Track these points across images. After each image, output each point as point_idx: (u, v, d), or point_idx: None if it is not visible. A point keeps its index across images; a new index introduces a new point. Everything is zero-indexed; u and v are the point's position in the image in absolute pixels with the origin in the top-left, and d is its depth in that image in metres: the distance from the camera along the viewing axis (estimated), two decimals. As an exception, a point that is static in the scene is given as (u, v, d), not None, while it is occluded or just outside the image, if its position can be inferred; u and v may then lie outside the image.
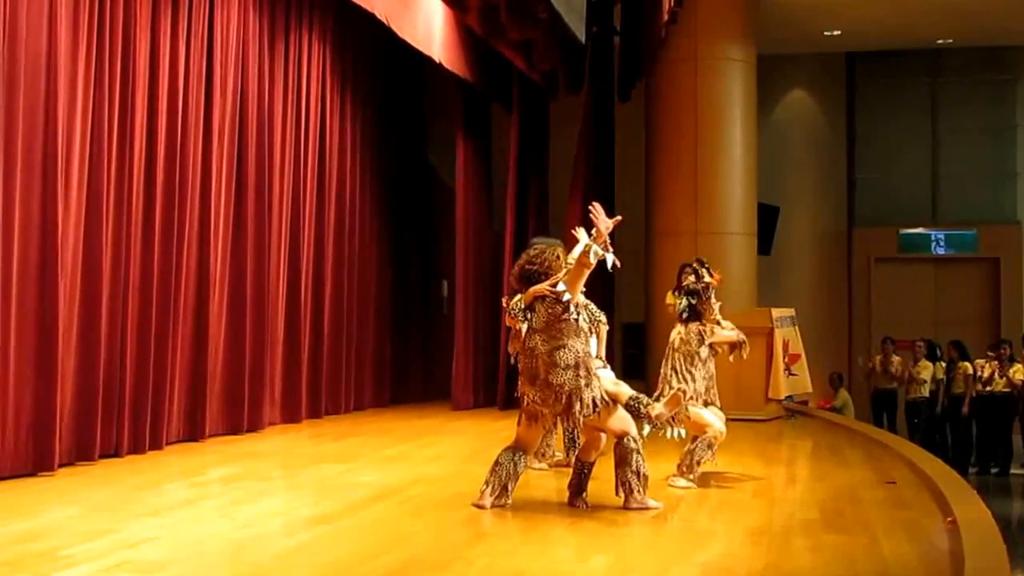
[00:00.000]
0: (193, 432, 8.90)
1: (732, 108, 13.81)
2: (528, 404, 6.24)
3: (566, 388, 6.04)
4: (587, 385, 6.07)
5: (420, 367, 13.56)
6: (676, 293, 7.59)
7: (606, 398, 6.17)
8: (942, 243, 18.08)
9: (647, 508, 6.19)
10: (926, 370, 15.32)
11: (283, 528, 5.73)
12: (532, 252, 6.37)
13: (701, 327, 7.44)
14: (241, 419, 9.52)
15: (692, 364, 7.35)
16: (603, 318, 7.31)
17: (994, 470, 14.80)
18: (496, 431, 6.76)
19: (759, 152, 14.54)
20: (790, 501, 6.99)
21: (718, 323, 7.56)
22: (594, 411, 6.10)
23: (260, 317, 9.79)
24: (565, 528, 5.88)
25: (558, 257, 6.29)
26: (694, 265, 7.67)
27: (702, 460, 7.25)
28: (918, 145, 18.19)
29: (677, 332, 7.46)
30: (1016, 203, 17.94)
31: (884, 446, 9.60)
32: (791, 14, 15.38)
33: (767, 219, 15.94)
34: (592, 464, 6.50)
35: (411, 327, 13.50)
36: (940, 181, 18.16)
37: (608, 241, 5.98)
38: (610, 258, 6.01)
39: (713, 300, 7.54)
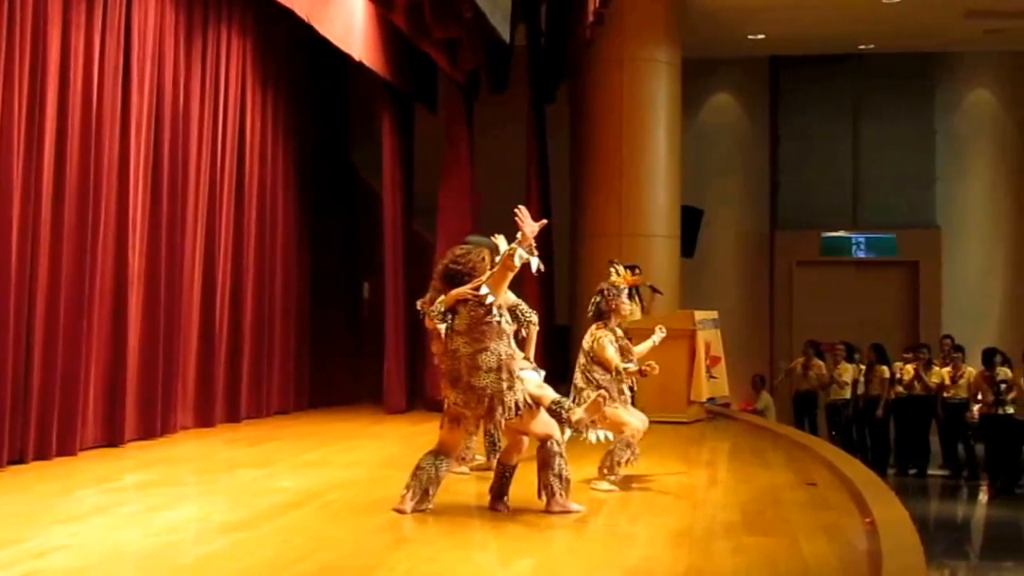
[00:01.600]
0: (111, 437, 8.69)
1: (657, 111, 13.90)
2: (450, 407, 6.18)
3: (488, 391, 5.98)
4: (510, 388, 6.01)
5: (341, 370, 13.42)
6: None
7: (529, 401, 6.11)
8: (863, 246, 18.39)
9: (569, 511, 6.15)
10: (846, 372, 15.54)
11: (199, 535, 5.62)
12: (458, 251, 6.28)
13: (598, 330, 7.38)
14: (155, 423, 9.30)
15: (594, 366, 7.32)
16: (534, 319, 7.27)
17: (912, 471, 15.07)
18: (417, 435, 6.70)
19: (683, 155, 14.66)
20: (712, 503, 7.01)
21: (613, 330, 7.43)
22: (516, 414, 6.05)
23: (174, 318, 9.61)
24: (487, 532, 5.86)
25: (483, 259, 6.20)
26: (612, 264, 7.66)
27: (622, 461, 7.23)
28: (840, 149, 18.49)
29: (588, 332, 7.46)
30: (935, 208, 18.31)
31: (805, 448, 9.71)
32: (716, 18, 15.52)
33: (691, 222, 16.07)
34: (514, 467, 6.45)
35: (333, 329, 13.34)
36: (861, 185, 18.46)
37: (533, 244, 5.93)
38: (535, 262, 5.96)
39: (624, 300, 7.48)
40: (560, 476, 6.13)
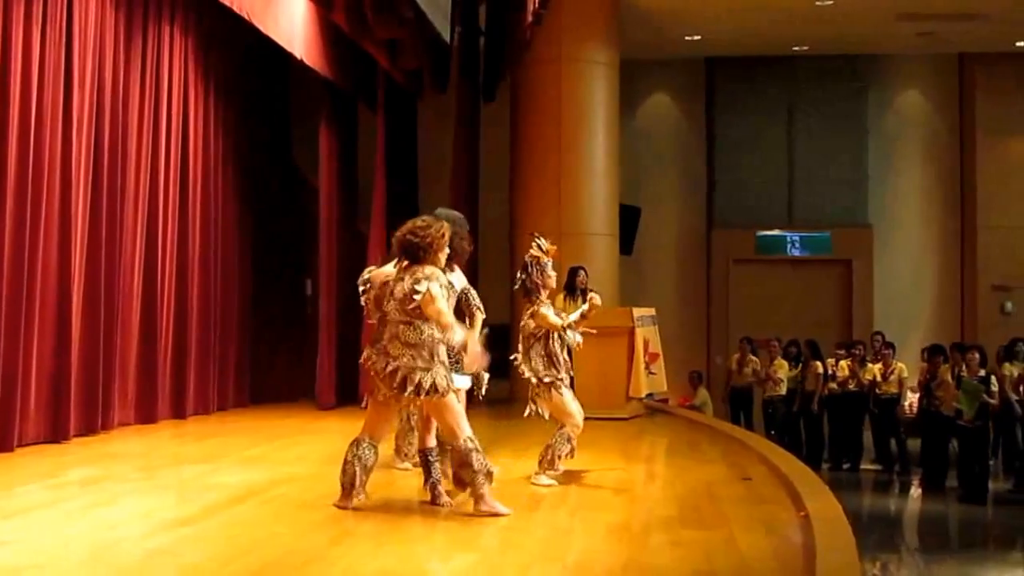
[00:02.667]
0: (53, 433, 8.62)
1: (595, 110, 14.01)
2: (367, 365, 6.10)
3: (400, 366, 5.91)
4: (425, 369, 5.89)
5: (284, 366, 13.40)
6: None
7: (444, 388, 5.94)
8: (797, 245, 18.63)
9: (497, 514, 5.99)
10: (781, 369, 15.71)
11: (144, 531, 5.59)
12: (419, 223, 6.11)
13: (532, 305, 7.31)
14: (96, 419, 9.25)
15: (531, 344, 7.31)
16: (480, 306, 7.09)
17: (845, 466, 15.24)
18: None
19: (621, 154, 14.79)
20: (650, 498, 7.10)
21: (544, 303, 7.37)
22: (427, 395, 5.92)
23: (114, 315, 9.55)
24: (428, 527, 5.90)
25: (443, 235, 6.08)
26: (535, 237, 7.52)
27: (562, 455, 7.24)
28: (775, 149, 18.70)
29: (524, 314, 7.41)
30: (867, 207, 18.59)
31: (741, 443, 9.78)
32: (653, 19, 15.65)
33: (629, 220, 16.20)
34: (432, 449, 6.51)
35: (275, 326, 13.33)
36: (796, 184, 18.70)
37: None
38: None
39: (550, 273, 7.35)
40: (480, 472, 5.95)
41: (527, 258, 7.35)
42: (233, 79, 12.12)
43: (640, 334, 11.57)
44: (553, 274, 7.41)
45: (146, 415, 10.27)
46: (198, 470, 7.65)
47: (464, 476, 6.02)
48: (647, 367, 11.67)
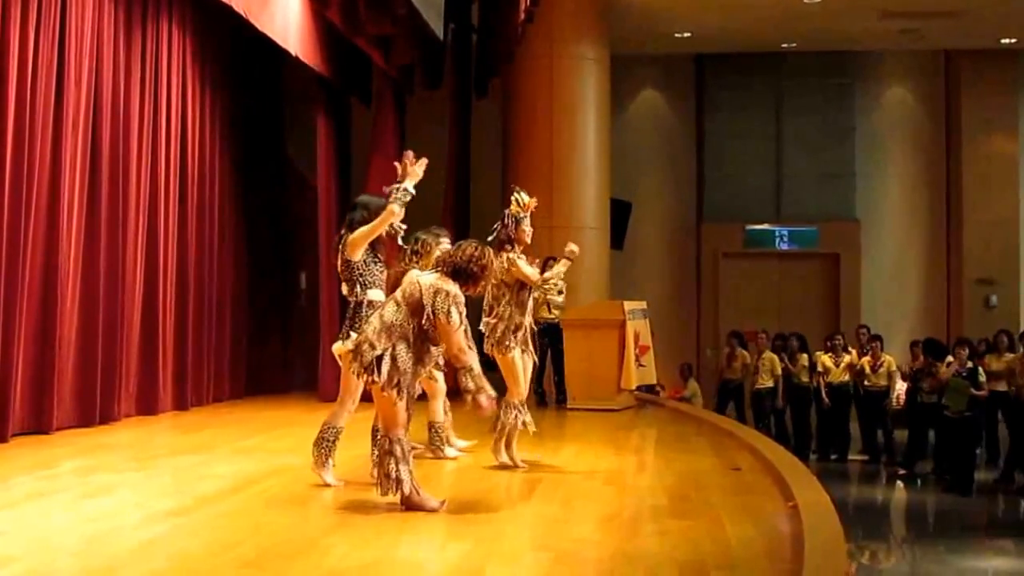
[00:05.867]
0: (39, 424, 8.66)
1: (586, 106, 14.09)
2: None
3: (359, 340, 5.82)
4: (371, 347, 5.67)
5: (279, 358, 13.47)
6: None
7: (380, 379, 5.65)
8: (785, 239, 18.73)
9: (425, 508, 5.81)
10: (769, 361, 15.81)
11: (137, 520, 5.62)
12: (472, 251, 5.90)
13: (506, 254, 7.32)
14: (93, 411, 9.32)
15: (498, 296, 7.34)
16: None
17: (833, 456, 15.37)
18: (351, 423, 6.75)
19: (612, 149, 14.87)
20: (640, 488, 7.12)
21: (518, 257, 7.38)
22: (369, 378, 5.71)
23: (114, 309, 9.61)
24: (421, 517, 5.87)
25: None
26: (515, 191, 7.56)
27: (515, 430, 7.32)
28: (763, 145, 18.78)
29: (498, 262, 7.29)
30: (855, 201, 18.71)
31: (730, 434, 9.81)
32: (643, 16, 15.70)
33: (619, 214, 16.28)
34: (437, 423, 7.12)
35: (270, 318, 13.40)
36: (784, 179, 18.79)
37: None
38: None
39: (525, 228, 7.40)
40: (390, 475, 5.77)
41: (505, 212, 7.43)
42: (228, 75, 12.19)
43: (631, 327, 11.63)
44: (529, 229, 7.46)
45: (147, 407, 10.34)
46: (192, 461, 7.69)
47: (377, 473, 5.90)
48: (638, 360, 11.73)
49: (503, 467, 7.40)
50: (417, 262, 7.29)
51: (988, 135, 18.58)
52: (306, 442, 6.78)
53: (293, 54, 10.81)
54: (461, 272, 5.82)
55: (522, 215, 7.43)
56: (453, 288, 5.76)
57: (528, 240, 7.47)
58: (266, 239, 13.30)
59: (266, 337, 13.25)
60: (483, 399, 5.69)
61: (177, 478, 7.02)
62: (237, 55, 12.39)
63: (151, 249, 10.43)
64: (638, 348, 11.77)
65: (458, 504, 6.12)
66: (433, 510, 5.83)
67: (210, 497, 6.28)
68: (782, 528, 5.82)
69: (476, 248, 5.92)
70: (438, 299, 5.69)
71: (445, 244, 7.34)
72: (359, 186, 13.10)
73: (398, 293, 5.85)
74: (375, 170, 12.81)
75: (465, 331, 6.06)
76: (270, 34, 10.19)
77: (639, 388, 12.32)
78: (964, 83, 18.54)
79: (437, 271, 5.88)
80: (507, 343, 7.34)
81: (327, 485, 6.53)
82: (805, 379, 15.53)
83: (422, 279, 5.83)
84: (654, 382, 12.89)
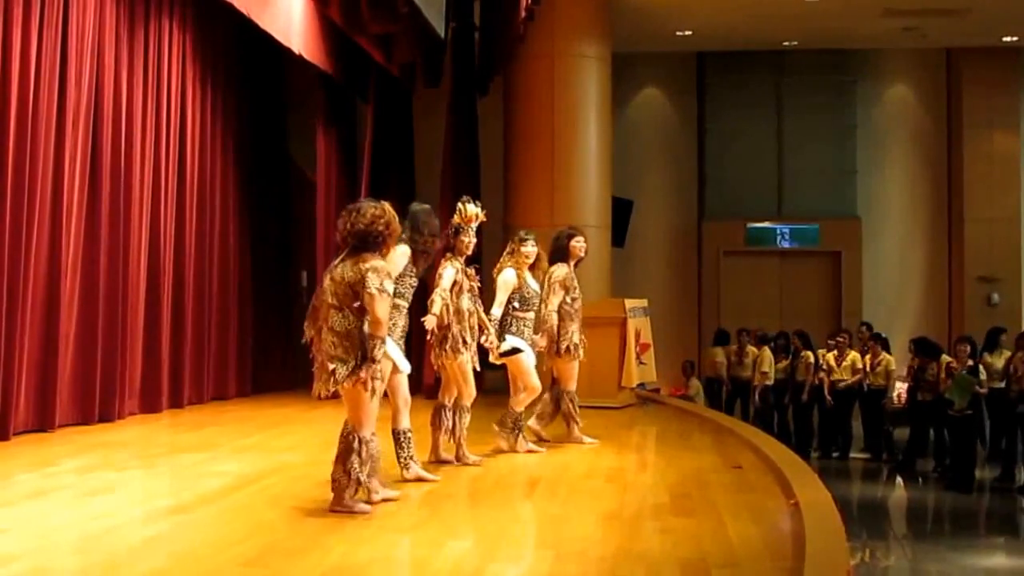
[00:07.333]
0: (42, 422, 8.68)
1: (587, 105, 14.06)
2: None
3: (324, 357, 5.74)
4: (340, 360, 5.64)
5: (280, 356, 13.47)
6: None
7: (347, 383, 5.66)
8: (787, 236, 18.72)
9: (353, 512, 5.75)
10: (766, 359, 15.81)
11: (139, 518, 5.66)
12: (373, 211, 5.81)
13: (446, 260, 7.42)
14: (94, 410, 9.33)
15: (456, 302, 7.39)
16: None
17: (835, 454, 15.35)
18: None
19: (613, 147, 14.86)
20: (642, 486, 7.13)
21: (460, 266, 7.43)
22: (334, 384, 5.68)
23: (115, 307, 9.62)
24: (422, 515, 5.93)
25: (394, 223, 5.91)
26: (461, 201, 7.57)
27: (455, 428, 7.44)
28: (765, 143, 18.77)
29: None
30: (856, 199, 18.69)
31: (731, 432, 9.80)
32: (644, 14, 15.68)
33: (621, 212, 16.26)
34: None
35: (271, 316, 13.41)
36: (785, 177, 18.77)
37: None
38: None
39: (463, 239, 7.39)
40: (350, 475, 5.74)
41: (452, 221, 7.48)
42: (230, 73, 12.19)
43: (632, 325, 11.64)
44: (468, 240, 7.44)
45: (148, 405, 10.36)
46: (194, 458, 7.72)
47: (335, 470, 5.82)
48: (638, 357, 11.74)
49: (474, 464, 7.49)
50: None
51: (990, 133, 18.55)
52: (306, 440, 6.81)
53: (296, 52, 10.81)
54: (370, 237, 5.71)
55: (463, 226, 7.44)
56: (379, 263, 5.71)
57: (467, 251, 7.45)
58: (267, 238, 13.30)
59: (267, 336, 13.25)
60: (363, 372, 5.62)
61: (178, 476, 7.05)
62: (238, 54, 12.39)
63: (152, 248, 10.44)
64: (639, 346, 11.77)
65: (459, 501, 6.14)
66: (363, 512, 5.76)
67: (211, 495, 6.30)
68: (783, 526, 5.83)
69: (375, 207, 5.81)
70: (369, 277, 5.61)
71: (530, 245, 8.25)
72: (360, 185, 13.13)
73: (331, 298, 5.72)
74: (376, 169, 12.84)
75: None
76: (272, 32, 10.19)
77: (639, 386, 12.34)
78: (966, 81, 18.51)
79: (353, 251, 5.76)
80: (457, 347, 7.37)
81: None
82: (808, 377, 15.53)
83: (347, 272, 5.72)
84: (655, 380, 12.89)
